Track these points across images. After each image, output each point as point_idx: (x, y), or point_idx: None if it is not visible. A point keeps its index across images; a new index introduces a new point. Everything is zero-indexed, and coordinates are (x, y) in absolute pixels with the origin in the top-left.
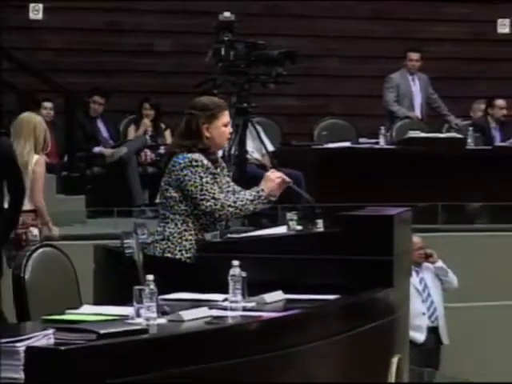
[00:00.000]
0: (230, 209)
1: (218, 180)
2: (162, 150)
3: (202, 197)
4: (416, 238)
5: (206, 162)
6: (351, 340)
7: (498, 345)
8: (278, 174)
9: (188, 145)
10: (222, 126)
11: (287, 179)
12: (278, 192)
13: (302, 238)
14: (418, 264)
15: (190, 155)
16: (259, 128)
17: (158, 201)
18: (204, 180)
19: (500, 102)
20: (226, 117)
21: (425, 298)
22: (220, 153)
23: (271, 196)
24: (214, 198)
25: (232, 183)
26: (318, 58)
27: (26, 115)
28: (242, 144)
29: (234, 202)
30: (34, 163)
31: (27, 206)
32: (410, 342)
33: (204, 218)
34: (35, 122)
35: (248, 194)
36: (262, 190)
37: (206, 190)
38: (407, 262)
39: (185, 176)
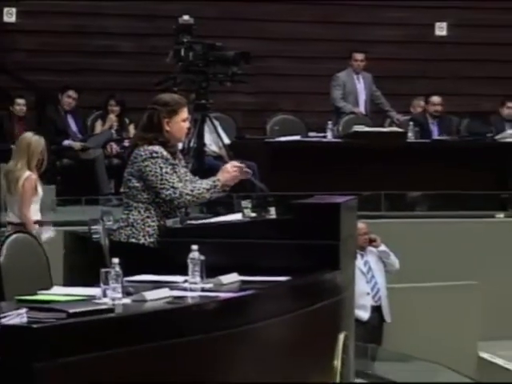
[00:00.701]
0: (188, 197)
1: (177, 170)
2: (126, 143)
3: (162, 186)
4: (361, 224)
5: (165, 153)
6: (301, 318)
7: (434, 322)
8: (236, 165)
9: (149, 137)
10: (181, 121)
11: (247, 170)
12: (233, 183)
13: (256, 224)
14: (363, 248)
15: (150, 147)
16: (216, 123)
17: (122, 190)
18: (164, 170)
19: (435, 99)
20: (184, 113)
21: (369, 279)
22: (180, 145)
23: (226, 186)
24: (173, 187)
25: (189, 173)
26: (270, 59)
27: (26, 134)
28: (200, 137)
29: (192, 191)
30: (25, 179)
31: (16, 219)
32: (355, 320)
33: (165, 206)
34: (30, 140)
35: (205, 184)
36: (218, 180)
37: (166, 180)
38: (352, 246)
39: (146, 167)
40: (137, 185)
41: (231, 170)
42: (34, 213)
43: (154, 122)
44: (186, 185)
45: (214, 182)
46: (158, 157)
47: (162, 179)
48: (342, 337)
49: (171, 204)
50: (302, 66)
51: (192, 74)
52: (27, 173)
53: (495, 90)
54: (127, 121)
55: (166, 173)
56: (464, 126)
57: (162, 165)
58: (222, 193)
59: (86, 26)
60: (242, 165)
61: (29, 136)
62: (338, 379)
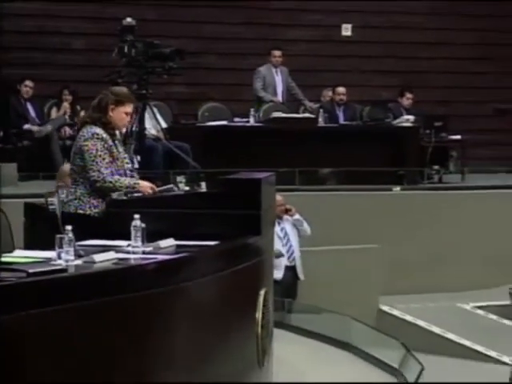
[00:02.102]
0: (109, 184)
1: (115, 151)
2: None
3: (91, 167)
4: (278, 196)
5: (105, 136)
6: (228, 277)
7: (342, 280)
8: (154, 189)
9: (95, 117)
10: (124, 113)
11: (155, 190)
12: (145, 192)
13: (189, 196)
14: (280, 217)
15: (93, 129)
16: (155, 110)
17: (69, 167)
18: (98, 153)
19: (341, 89)
20: (129, 108)
21: (285, 243)
22: (124, 129)
23: (139, 192)
24: (99, 170)
25: (128, 160)
26: (202, 55)
27: None
28: (141, 122)
29: (115, 181)
30: None
31: None
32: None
33: (88, 184)
34: None
35: (127, 181)
36: (137, 184)
37: (96, 163)
38: (271, 215)
39: (85, 146)
40: (81, 163)
41: (148, 187)
42: None
43: (102, 105)
44: (116, 175)
45: (134, 184)
46: (98, 138)
47: (93, 160)
48: (262, 292)
49: (94, 184)
50: (228, 61)
51: (134, 68)
52: None
53: (392, 81)
54: (78, 108)
55: (100, 156)
56: (366, 112)
57: (98, 147)
58: (134, 193)
59: (43, 26)
60: (157, 190)
61: None
62: (259, 329)
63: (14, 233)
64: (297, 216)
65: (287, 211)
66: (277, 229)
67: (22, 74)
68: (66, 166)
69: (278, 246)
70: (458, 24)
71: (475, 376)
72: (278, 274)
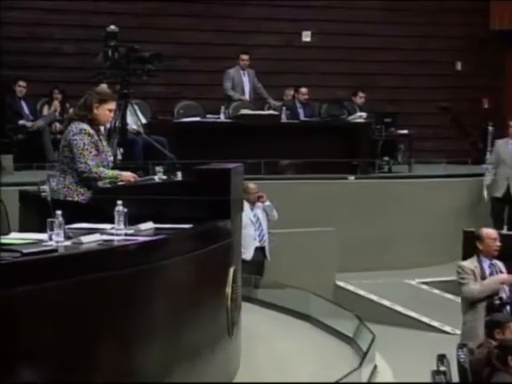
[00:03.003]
0: (95, 175)
1: (100, 145)
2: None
3: (78, 159)
4: (252, 185)
5: (91, 131)
6: (201, 256)
7: (303, 259)
8: (132, 176)
9: (81, 114)
10: (107, 110)
11: (137, 179)
12: (128, 181)
13: (166, 185)
14: (253, 203)
15: (80, 125)
16: (136, 107)
17: (58, 158)
18: (85, 147)
19: (304, 90)
20: (112, 105)
21: (257, 228)
22: (108, 125)
23: (122, 181)
24: (85, 162)
25: (110, 154)
26: (177, 59)
27: None
28: (123, 118)
29: (100, 172)
30: None
31: None
32: (243, 259)
33: (75, 174)
34: None
35: (110, 173)
36: (120, 175)
37: (83, 155)
38: (240, 201)
39: (74, 140)
40: (69, 155)
41: (130, 177)
42: None
43: (87, 103)
44: (101, 167)
45: (117, 175)
46: (85, 133)
47: (81, 153)
48: (232, 270)
49: (81, 175)
50: (201, 64)
51: (117, 70)
52: None
53: (347, 82)
54: (67, 106)
55: (86, 149)
56: (324, 109)
57: (85, 141)
58: (117, 183)
59: (36, 32)
60: (138, 179)
61: None
62: (229, 302)
63: (10, 217)
64: (267, 202)
65: (259, 198)
66: (250, 214)
67: (17, 75)
68: None
69: (251, 230)
70: (403, 31)
71: (420, 343)
72: (248, 255)
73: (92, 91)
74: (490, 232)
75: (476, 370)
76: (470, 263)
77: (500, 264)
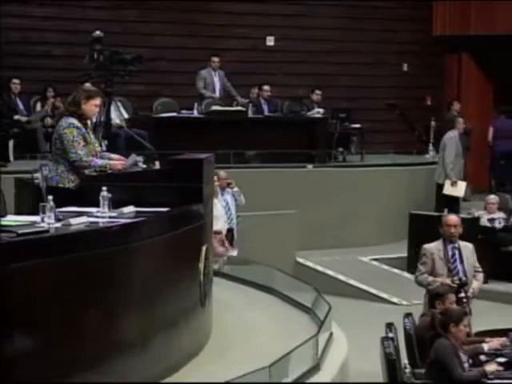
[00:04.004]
0: (85, 163)
1: (88, 137)
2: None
3: (69, 149)
4: (222, 172)
5: (79, 125)
6: (177, 236)
7: (267, 238)
8: (120, 163)
9: (71, 110)
10: (94, 105)
11: (126, 164)
12: (117, 169)
13: (146, 173)
14: (224, 189)
15: (70, 120)
16: (119, 104)
17: (51, 150)
18: (75, 139)
19: (266, 87)
20: (97, 101)
21: (227, 211)
22: (94, 119)
23: (111, 169)
24: (76, 152)
25: (97, 145)
26: (155, 61)
27: None
28: (108, 114)
29: (90, 161)
30: None
31: None
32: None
33: (68, 164)
34: None
35: (100, 162)
36: (109, 164)
37: (73, 146)
38: (211, 187)
39: (64, 134)
40: (60, 147)
41: (119, 164)
42: None
43: (76, 100)
44: (90, 156)
45: (106, 164)
46: (73, 127)
47: (71, 145)
48: (204, 248)
49: (73, 164)
50: (177, 65)
51: (102, 71)
52: None
53: (306, 82)
54: (58, 103)
55: (76, 141)
56: (285, 106)
57: (75, 134)
58: (106, 171)
59: (28, 37)
60: (125, 164)
61: None
62: (201, 276)
63: (6, 202)
64: (236, 189)
65: (229, 185)
66: (220, 199)
67: (12, 75)
68: None
69: (221, 213)
70: (356, 37)
71: (371, 313)
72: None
73: (79, 89)
74: (447, 218)
75: (420, 335)
76: (434, 246)
77: (468, 247)
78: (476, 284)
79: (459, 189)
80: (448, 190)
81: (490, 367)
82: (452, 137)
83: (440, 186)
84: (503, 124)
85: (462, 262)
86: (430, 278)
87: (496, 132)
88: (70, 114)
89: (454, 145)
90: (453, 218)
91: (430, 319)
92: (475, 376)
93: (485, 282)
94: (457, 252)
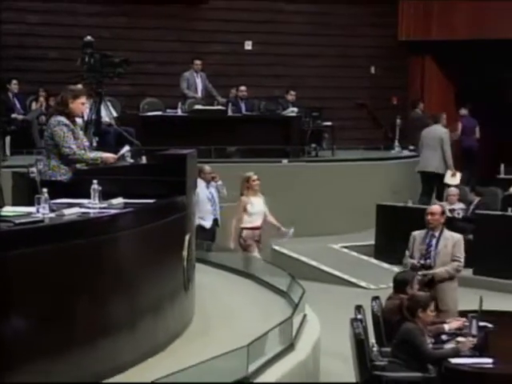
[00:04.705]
0: (78, 156)
1: (76, 132)
2: None
3: (62, 144)
4: (207, 167)
5: (68, 122)
6: (162, 225)
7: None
8: (112, 157)
9: (60, 109)
10: (80, 103)
11: (119, 153)
12: (109, 162)
13: (134, 167)
14: (209, 182)
15: (59, 118)
16: (108, 103)
17: (44, 146)
18: (66, 134)
19: (242, 88)
20: (83, 99)
21: (212, 203)
22: (85, 117)
23: (103, 163)
24: (69, 147)
25: (85, 139)
26: (142, 63)
27: None
28: (98, 112)
29: (83, 154)
30: None
31: None
32: (201, 227)
33: (62, 158)
34: None
35: (92, 155)
36: (101, 157)
37: (65, 141)
38: (193, 180)
39: (55, 131)
40: (52, 143)
41: (112, 159)
42: None
43: (63, 100)
44: (82, 150)
45: (98, 157)
46: (63, 124)
47: (63, 140)
48: (187, 237)
49: (66, 157)
50: (162, 68)
51: (93, 72)
52: None
53: (282, 83)
54: (51, 102)
55: (67, 136)
56: (262, 105)
57: (64, 130)
58: (98, 164)
59: (25, 41)
60: (117, 157)
61: None
62: (185, 263)
63: (4, 194)
64: (219, 182)
65: (213, 178)
66: (206, 192)
67: (10, 77)
68: None
69: (207, 205)
70: (327, 42)
71: (341, 296)
72: (207, 224)
73: (66, 89)
74: (429, 208)
75: (386, 318)
76: (418, 233)
77: (453, 237)
78: (441, 269)
79: (457, 178)
80: (448, 179)
81: (465, 345)
82: (446, 131)
83: (435, 176)
84: (469, 122)
85: (436, 248)
86: (409, 260)
87: (463, 128)
88: (59, 113)
89: (449, 138)
90: (431, 207)
91: (397, 302)
92: (448, 353)
93: (458, 271)
94: (434, 240)
